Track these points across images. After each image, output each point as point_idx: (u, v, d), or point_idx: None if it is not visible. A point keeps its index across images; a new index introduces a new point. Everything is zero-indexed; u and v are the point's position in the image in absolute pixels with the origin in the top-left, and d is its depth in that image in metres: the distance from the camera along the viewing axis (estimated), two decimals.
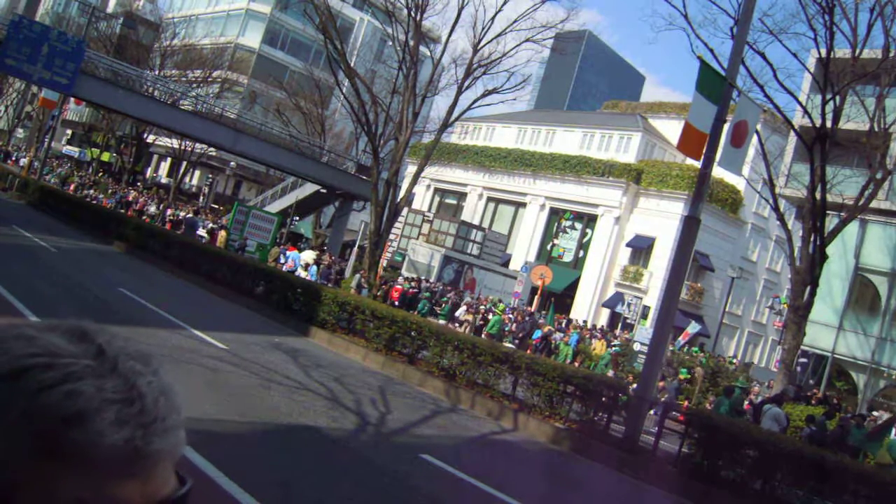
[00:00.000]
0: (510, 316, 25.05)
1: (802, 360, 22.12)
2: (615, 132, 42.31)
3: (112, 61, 32.73)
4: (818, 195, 17.05)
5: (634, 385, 14.63)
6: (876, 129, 17.87)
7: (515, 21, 22.09)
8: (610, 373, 19.33)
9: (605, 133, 42.84)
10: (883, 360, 22.22)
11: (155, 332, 10.23)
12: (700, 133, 11.02)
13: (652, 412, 12.76)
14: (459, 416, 10.98)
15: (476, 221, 42.47)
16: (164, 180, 57.00)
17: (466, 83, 22.17)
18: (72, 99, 39.15)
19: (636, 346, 23.74)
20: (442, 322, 21.28)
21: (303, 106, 41.60)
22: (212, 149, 41.07)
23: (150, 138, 47.86)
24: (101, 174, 49.65)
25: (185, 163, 47.87)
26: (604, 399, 11.51)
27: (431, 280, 31.18)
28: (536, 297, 31.00)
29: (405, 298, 24.55)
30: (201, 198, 47.48)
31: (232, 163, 44.53)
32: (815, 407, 16.56)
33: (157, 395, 0.63)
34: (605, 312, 38.19)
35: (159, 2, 63.47)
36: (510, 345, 18.89)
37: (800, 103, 19.68)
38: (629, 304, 34.65)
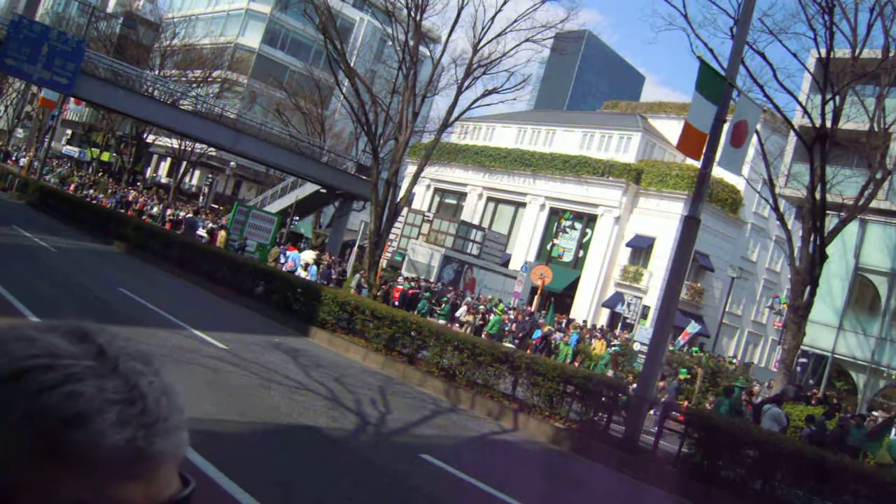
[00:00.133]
0: (510, 316, 25.05)
1: (802, 360, 22.13)
2: (615, 132, 42.31)
3: (112, 61, 32.73)
4: (818, 195, 17.05)
5: (634, 385, 14.62)
6: (876, 129, 17.87)
7: (515, 21, 22.09)
8: (610, 373, 19.33)
9: (605, 133, 42.85)
10: (883, 360, 22.22)
11: (155, 332, 10.22)
12: (700, 133, 11.02)
13: (652, 412, 12.76)
14: (459, 416, 10.98)
15: (476, 221, 42.48)
16: (163, 180, 56.99)
17: (466, 83, 22.16)
18: (72, 99, 39.15)
19: (636, 346, 23.73)
20: (442, 322, 21.27)
21: (303, 106, 41.59)
22: (212, 149, 41.07)
23: (150, 138, 47.86)
24: (100, 174, 49.64)
25: (185, 163, 47.87)
26: (604, 399, 11.51)
27: (431, 280, 31.19)
28: (536, 297, 31.00)
29: (405, 298, 24.55)
30: (201, 198, 47.48)
31: (232, 163, 44.52)
32: (815, 407, 16.57)
33: (159, 395, 0.62)
34: (605, 312, 38.19)
35: (159, 2, 63.50)
36: (510, 345, 18.88)
37: (800, 103, 19.68)
38: (629, 304, 34.64)
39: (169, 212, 33.41)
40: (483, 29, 21.67)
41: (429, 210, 43.45)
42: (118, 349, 0.63)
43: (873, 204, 18.92)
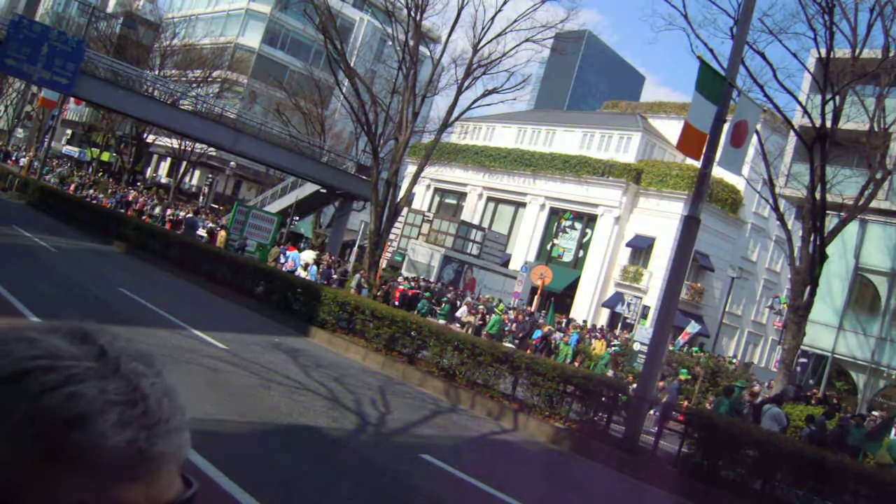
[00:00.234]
0: (510, 316, 25.05)
1: (802, 360, 22.12)
2: (615, 132, 42.31)
3: (112, 61, 32.72)
4: (818, 195, 17.04)
5: (634, 385, 14.62)
6: (876, 129, 17.86)
7: (515, 21, 22.08)
8: (610, 373, 19.32)
9: (605, 133, 42.85)
10: (883, 360, 22.21)
11: (155, 332, 10.22)
12: (700, 133, 11.02)
13: (652, 412, 12.76)
14: (459, 416, 10.98)
15: (476, 221, 42.47)
16: (163, 180, 56.99)
17: (466, 83, 22.16)
18: (72, 99, 39.14)
19: (636, 346, 23.72)
20: (442, 322, 21.27)
21: (303, 106, 41.59)
22: (212, 149, 41.06)
23: (150, 138, 47.85)
24: (100, 174, 49.65)
25: (185, 163, 47.87)
26: (604, 399, 11.51)
27: (431, 280, 31.18)
28: (536, 297, 31.00)
29: (405, 298, 24.54)
30: (201, 198, 47.48)
31: (232, 163, 44.52)
32: (815, 407, 16.57)
33: (161, 396, 0.62)
34: (605, 312, 38.19)
35: (159, 2, 63.49)
36: (510, 345, 18.88)
37: (800, 103, 19.68)
38: (629, 304, 34.64)
39: (169, 212, 33.40)
40: (483, 29, 21.69)
41: (429, 210, 43.45)
42: (120, 350, 0.63)
43: (873, 204, 18.92)
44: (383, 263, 28.44)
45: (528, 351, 18.47)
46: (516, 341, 21.76)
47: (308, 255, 24.30)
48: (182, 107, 33.79)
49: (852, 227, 20.75)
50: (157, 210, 33.93)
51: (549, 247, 39.04)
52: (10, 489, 0.56)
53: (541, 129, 46.01)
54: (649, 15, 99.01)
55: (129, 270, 18.31)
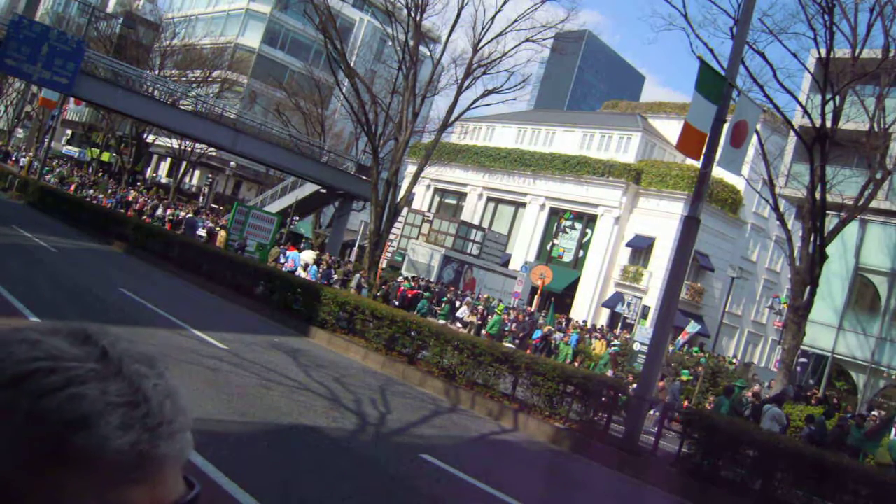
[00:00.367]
0: (510, 316, 25.04)
1: (802, 360, 22.12)
2: (615, 132, 42.31)
3: (112, 61, 32.71)
4: (818, 195, 17.05)
5: (634, 385, 14.62)
6: (876, 129, 17.87)
7: (515, 21, 22.11)
8: (610, 373, 19.32)
9: (604, 133, 42.84)
10: (883, 360, 22.21)
11: (155, 333, 10.22)
12: (700, 133, 11.02)
13: (652, 412, 12.76)
14: (459, 416, 10.98)
15: (476, 221, 42.47)
16: (163, 180, 56.99)
17: (466, 83, 22.18)
18: (72, 99, 39.14)
19: (636, 346, 23.71)
20: (442, 322, 21.27)
21: (303, 106, 41.58)
22: (212, 149, 41.06)
23: (150, 138, 47.84)
24: (100, 174, 49.65)
25: (184, 163, 47.86)
26: (604, 399, 11.51)
27: (431, 280, 31.18)
28: (536, 297, 31.00)
29: (405, 298, 24.52)
30: (201, 198, 47.48)
31: (232, 163, 44.52)
32: (815, 407, 16.58)
33: (163, 397, 0.62)
34: (605, 312, 38.19)
35: (159, 2, 63.46)
36: (510, 345, 18.88)
37: (800, 103, 19.68)
38: (629, 304, 34.62)
39: (169, 212, 33.36)
40: (483, 29, 21.71)
41: (429, 210, 43.45)
42: (121, 351, 0.63)
43: (873, 204, 18.92)
44: (383, 263, 28.45)
45: (528, 351, 18.47)
46: (516, 341, 21.75)
47: (308, 256, 24.29)
48: (182, 107, 33.78)
49: (852, 227, 20.75)
50: (159, 211, 33.87)
51: (549, 247, 39.04)
52: (12, 491, 0.55)
53: (541, 129, 46.00)
54: (649, 15, 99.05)
55: (129, 270, 18.32)
